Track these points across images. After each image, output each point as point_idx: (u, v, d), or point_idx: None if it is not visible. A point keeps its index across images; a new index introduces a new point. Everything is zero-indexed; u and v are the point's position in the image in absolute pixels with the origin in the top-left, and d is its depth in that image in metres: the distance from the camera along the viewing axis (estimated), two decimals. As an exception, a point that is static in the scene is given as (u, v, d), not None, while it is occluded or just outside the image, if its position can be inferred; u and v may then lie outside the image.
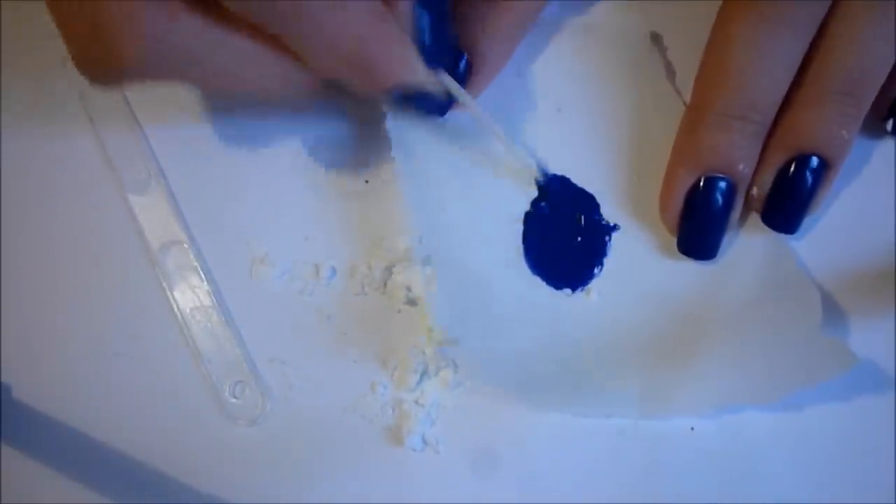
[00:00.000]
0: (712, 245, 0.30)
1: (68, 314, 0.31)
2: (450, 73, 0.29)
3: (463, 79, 0.30)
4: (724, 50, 0.29)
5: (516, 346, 0.30)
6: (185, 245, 0.31)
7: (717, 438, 0.29)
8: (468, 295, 0.30)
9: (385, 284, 0.31)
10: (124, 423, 0.30)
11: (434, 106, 0.30)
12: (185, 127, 0.32)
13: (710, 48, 0.30)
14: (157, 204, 0.32)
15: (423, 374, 0.30)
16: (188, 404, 0.30)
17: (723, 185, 0.29)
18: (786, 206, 0.29)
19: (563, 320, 0.30)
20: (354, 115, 0.32)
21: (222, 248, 0.31)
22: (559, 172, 0.31)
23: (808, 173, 0.29)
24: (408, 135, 0.31)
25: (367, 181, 0.32)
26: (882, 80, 0.29)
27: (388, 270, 0.31)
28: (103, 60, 0.24)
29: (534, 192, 0.31)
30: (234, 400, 0.30)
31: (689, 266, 0.30)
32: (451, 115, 0.31)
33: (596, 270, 0.31)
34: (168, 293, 0.31)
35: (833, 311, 0.30)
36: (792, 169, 0.29)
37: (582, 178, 0.31)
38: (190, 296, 0.31)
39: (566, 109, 0.32)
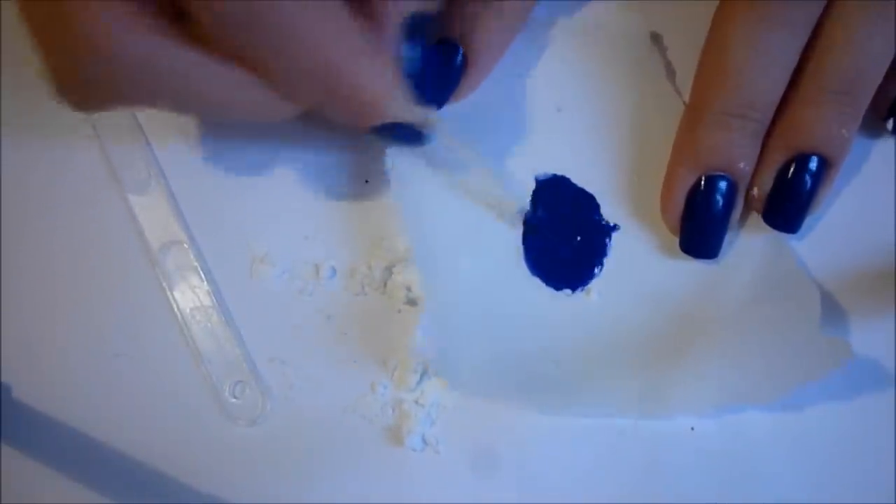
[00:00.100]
0: (714, 244, 0.30)
1: (68, 314, 0.31)
2: (446, 68, 0.30)
3: (459, 73, 0.30)
4: (722, 49, 0.29)
5: (516, 347, 0.30)
6: (185, 245, 0.31)
7: (717, 438, 0.29)
8: (467, 297, 0.30)
9: (385, 284, 0.31)
10: (124, 423, 0.30)
11: (413, 136, 0.30)
12: (185, 127, 0.32)
13: (707, 48, 0.30)
14: (157, 204, 0.32)
15: (423, 374, 0.30)
16: (188, 404, 0.30)
17: (723, 184, 0.29)
18: (786, 206, 0.29)
19: (563, 321, 0.30)
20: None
21: (222, 248, 0.31)
22: (559, 172, 0.31)
23: (808, 173, 0.29)
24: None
25: (367, 181, 0.32)
26: (879, 78, 0.29)
27: (388, 270, 0.31)
28: (78, 74, 0.24)
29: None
30: (234, 400, 0.30)
31: (690, 266, 0.30)
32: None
33: (596, 271, 0.31)
34: (168, 293, 0.31)
35: (833, 311, 0.30)
36: (792, 169, 0.29)
37: (582, 178, 0.31)
38: (190, 296, 0.31)
39: (566, 109, 0.32)
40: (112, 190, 0.32)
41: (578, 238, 0.31)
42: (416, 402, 0.30)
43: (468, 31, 0.30)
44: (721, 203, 0.29)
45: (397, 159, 0.30)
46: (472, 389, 0.30)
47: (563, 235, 0.31)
